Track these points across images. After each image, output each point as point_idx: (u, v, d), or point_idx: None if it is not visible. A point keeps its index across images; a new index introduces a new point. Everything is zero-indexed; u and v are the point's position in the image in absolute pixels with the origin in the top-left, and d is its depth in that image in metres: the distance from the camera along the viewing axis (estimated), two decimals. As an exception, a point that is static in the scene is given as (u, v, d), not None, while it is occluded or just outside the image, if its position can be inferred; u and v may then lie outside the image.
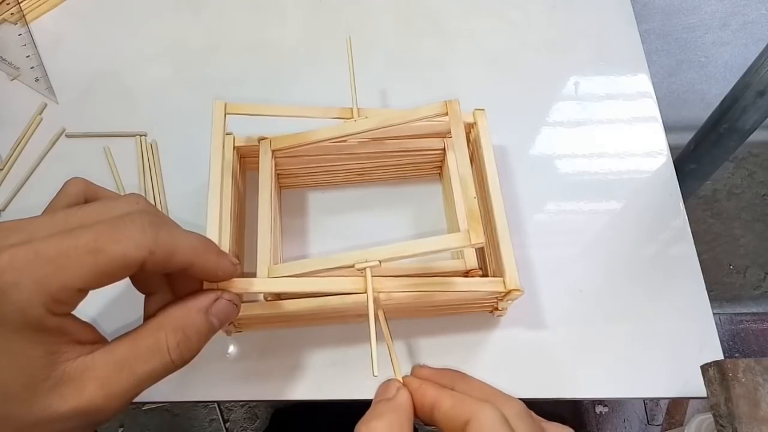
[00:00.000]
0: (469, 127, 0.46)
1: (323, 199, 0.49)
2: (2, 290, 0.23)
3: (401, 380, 0.31)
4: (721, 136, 0.58)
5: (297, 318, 0.42)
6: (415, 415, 0.29)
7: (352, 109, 0.44)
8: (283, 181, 0.49)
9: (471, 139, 0.47)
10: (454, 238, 0.37)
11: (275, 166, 0.45)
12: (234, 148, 0.44)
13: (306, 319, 0.43)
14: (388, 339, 0.35)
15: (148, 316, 0.30)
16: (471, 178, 0.39)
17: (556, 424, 0.30)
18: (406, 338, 0.44)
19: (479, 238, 0.36)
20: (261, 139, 0.44)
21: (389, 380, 0.31)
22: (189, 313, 0.29)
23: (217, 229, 0.39)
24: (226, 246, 0.39)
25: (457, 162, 0.41)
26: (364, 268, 0.37)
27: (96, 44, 0.58)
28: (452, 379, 0.31)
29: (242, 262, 0.45)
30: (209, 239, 0.30)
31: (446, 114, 0.43)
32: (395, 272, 0.40)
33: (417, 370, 0.33)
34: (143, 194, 0.49)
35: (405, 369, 0.35)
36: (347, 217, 0.49)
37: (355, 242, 0.47)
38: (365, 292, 0.37)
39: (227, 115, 0.44)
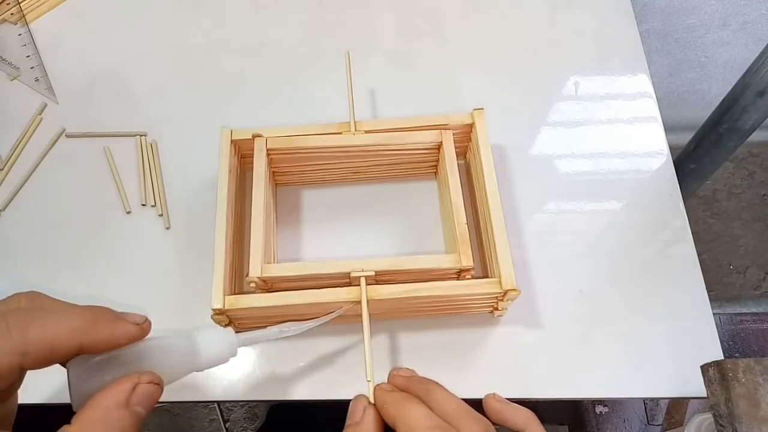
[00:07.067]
0: (468, 127, 0.46)
1: (319, 197, 0.49)
2: None
3: (370, 398, 0.32)
4: (721, 136, 0.58)
5: (295, 318, 0.42)
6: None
7: (349, 123, 0.45)
8: (279, 179, 0.49)
9: (470, 139, 0.47)
10: (446, 258, 0.41)
11: (270, 163, 0.46)
12: (232, 142, 0.44)
13: (305, 319, 0.43)
14: (368, 351, 0.35)
15: None
16: (462, 205, 0.42)
17: None
18: (405, 337, 0.44)
19: (469, 261, 0.40)
20: (256, 135, 0.44)
21: (358, 398, 0.31)
22: (108, 413, 0.25)
23: (224, 252, 0.41)
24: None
25: (450, 188, 0.42)
26: (359, 277, 0.39)
27: (96, 44, 0.58)
28: (418, 392, 0.31)
29: (245, 263, 0.45)
30: (97, 308, 0.27)
31: (440, 142, 0.45)
32: (388, 267, 0.40)
33: (392, 377, 0.33)
34: (143, 194, 0.49)
35: (401, 364, 0.35)
36: (343, 215, 0.49)
37: (350, 241, 0.47)
38: (359, 301, 0.38)
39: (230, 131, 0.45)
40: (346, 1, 0.61)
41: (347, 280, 0.40)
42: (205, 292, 0.39)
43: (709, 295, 0.45)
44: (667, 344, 0.44)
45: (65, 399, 0.41)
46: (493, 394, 0.31)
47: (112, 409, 0.25)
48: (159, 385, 0.27)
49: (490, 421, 0.29)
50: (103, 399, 0.25)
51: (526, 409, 0.30)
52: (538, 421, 0.30)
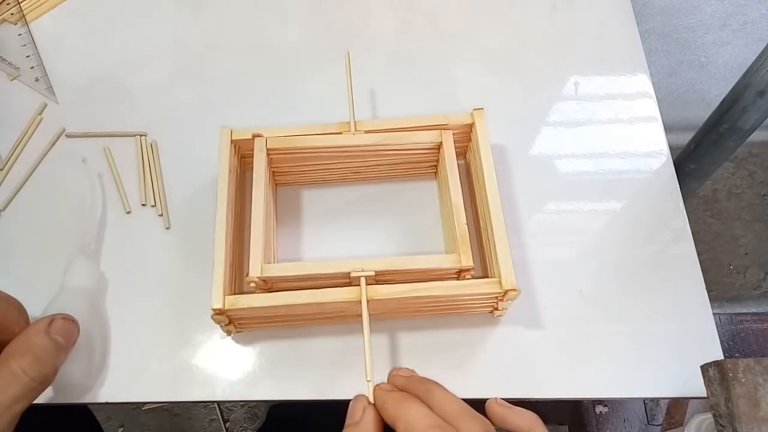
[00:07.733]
0: (468, 128, 0.46)
1: (319, 197, 0.49)
2: None
3: (370, 398, 0.32)
4: (721, 136, 0.58)
5: (295, 317, 0.42)
6: None
7: (349, 123, 0.45)
8: (279, 179, 0.49)
9: (470, 139, 0.47)
10: (446, 258, 0.41)
11: (270, 163, 0.46)
12: (232, 142, 0.44)
13: (304, 319, 0.43)
14: (368, 351, 0.35)
15: None
16: (462, 205, 0.42)
17: None
18: (405, 337, 0.44)
19: (469, 261, 0.40)
20: (256, 135, 0.44)
21: (358, 398, 0.32)
22: (29, 338, 0.33)
23: (224, 252, 0.41)
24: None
25: (450, 188, 0.42)
26: (359, 277, 0.39)
27: (96, 44, 0.58)
28: (418, 391, 0.31)
29: (245, 263, 0.45)
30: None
31: (440, 142, 0.45)
32: (388, 266, 0.40)
33: (392, 377, 0.33)
34: (143, 194, 0.49)
35: (401, 364, 0.35)
36: (343, 215, 0.49)
37: (350, 241, 0.47)
38: (360, 301, 0.38)
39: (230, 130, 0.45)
40: (346, 1, 0.61)
41: (347, 280, 0.40)
42: (205, 292, 0.39)
43: (709, 295, 0.45)
44: (667, 344, 0.44)
45: (65, 400, 0.41)
46: (496, 398, 0.31)
47: (33, 335, 0.33)
48: (73, 321, 0.36)
49: (494, 425, 0.29)
50: (27, 329, 0.34)
51: (529, 412, 0.30)
52: (542, 424, 0.30)
